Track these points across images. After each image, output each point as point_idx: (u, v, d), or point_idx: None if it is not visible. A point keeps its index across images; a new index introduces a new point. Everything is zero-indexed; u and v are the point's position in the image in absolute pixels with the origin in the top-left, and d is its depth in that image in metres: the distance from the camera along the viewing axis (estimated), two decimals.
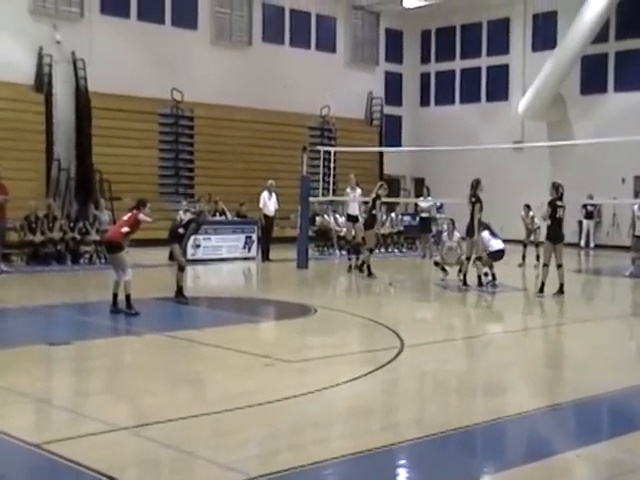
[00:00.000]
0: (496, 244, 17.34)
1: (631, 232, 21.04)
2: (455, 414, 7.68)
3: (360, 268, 19.20)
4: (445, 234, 18.97)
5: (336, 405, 7.94)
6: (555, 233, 16.13)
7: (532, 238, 22.66)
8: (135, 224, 12.92)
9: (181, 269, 14.25)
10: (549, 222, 16.28)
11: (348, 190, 21.28)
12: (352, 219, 21.03)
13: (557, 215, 16.04)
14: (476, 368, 10.14)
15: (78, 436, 6.61)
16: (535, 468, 6.13)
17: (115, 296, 12.79)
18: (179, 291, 14.22)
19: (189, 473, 5.96)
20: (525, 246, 22.47)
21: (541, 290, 15.99)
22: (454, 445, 6.87)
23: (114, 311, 12.75)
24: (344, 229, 23.61)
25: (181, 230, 14.38)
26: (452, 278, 17.79)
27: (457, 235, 18.39)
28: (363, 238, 21.91)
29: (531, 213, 22.41)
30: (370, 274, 18.75)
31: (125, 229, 12.92)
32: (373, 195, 19.26)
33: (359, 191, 21.10)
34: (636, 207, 20.67)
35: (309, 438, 6.96)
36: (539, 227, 21.70)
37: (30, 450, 6.22)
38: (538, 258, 21.20)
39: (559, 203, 16.08)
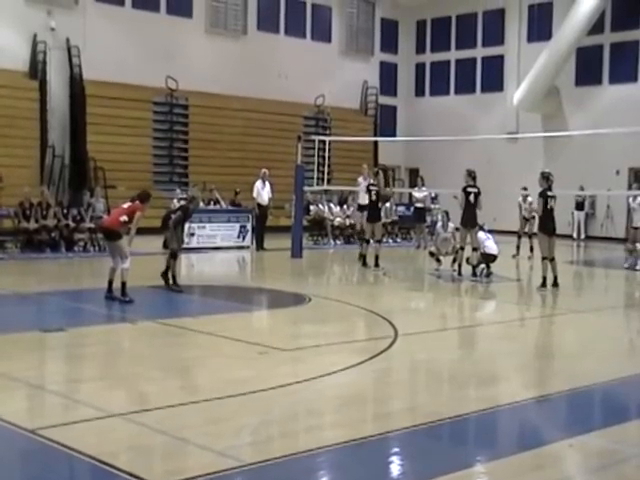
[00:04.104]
0: (491, 247, 17.26)
1: (630, 224, 20.64)
2: (448, 403, 7.69)
3: (376, 262, 18.47)
4: (439, 225, 19.00)
5: (329, 394, 7.94)
6: (548, 224, 15.72)
7: (527, 229, 22.51)
8: (133, 215, 12.92)
9: (174, 256, 14.25)
10: (541, 214, 15.93)
11: (360, 180, 20.96)
12: (363, 209, 20.78)
13: (548, 206, 15.64)
14: (469, 358, 10.17)
15: (72, 422, 6.62)
16: (528, 457, 6.15)
17: (110, 283, 12.80)
18: (172, 279, 14.20)
19: (183, 459, 5.96)
20: (519, 237, 22.42)
21: (543, 284, 15.56)
22: (447, 434, 6.90)
23: (109, 297, 12.76)
24: (338, 218, 23.55)
25: (173, 216, 14.43)
26: (446, 268, 17.82)
27: (451, 226, 18.45)
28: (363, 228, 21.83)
29: (529, 198, 22.09)
30: (377, 265, 18.39)
31: (124, 218, 12.93)
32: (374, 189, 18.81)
33: (370, 181, 20.94)
34: (631, 199, 20.57)
35: (302, 426, 6.98)
36: (534, 217, 21.44)
37: (24, 435, 6.23)
38: (532, 250, 21.19)
39: (549, 193, 15.69)
